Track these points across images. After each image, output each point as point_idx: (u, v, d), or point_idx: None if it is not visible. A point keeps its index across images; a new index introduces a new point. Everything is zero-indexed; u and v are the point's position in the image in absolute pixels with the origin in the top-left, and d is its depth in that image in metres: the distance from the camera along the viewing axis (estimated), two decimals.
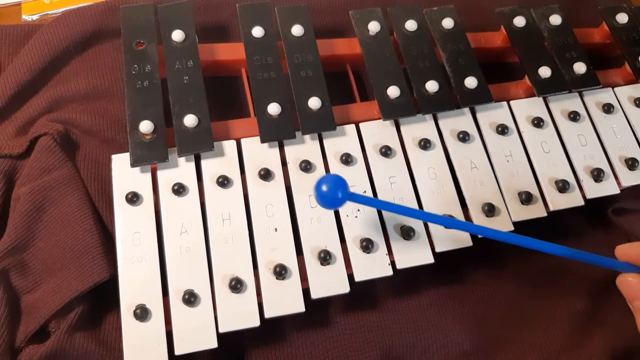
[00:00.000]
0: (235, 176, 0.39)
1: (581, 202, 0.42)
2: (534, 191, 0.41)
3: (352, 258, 0.38)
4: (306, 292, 0.36)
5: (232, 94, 0.48)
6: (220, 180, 0.38)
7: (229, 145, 0.40)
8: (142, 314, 0.34)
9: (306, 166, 0.40)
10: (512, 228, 0.40)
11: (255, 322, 0.35)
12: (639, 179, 0.43)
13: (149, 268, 0.36)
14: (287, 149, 0.40)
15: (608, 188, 0.42)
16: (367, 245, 0.37)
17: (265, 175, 0.39)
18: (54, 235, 0.39)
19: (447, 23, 0.46)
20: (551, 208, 0.41)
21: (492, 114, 0.44)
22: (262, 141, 0.40)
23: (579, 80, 0.45)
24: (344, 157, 0.40)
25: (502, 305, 0.44)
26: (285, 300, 0.36)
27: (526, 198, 0.40)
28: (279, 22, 0.44)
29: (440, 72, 0.44)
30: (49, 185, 0.40)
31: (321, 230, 0.38)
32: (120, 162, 0.39)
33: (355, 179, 0.40)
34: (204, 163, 0.39)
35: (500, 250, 0.45)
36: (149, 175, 0.38)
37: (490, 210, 0.40)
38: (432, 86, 0.43)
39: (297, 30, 0.43)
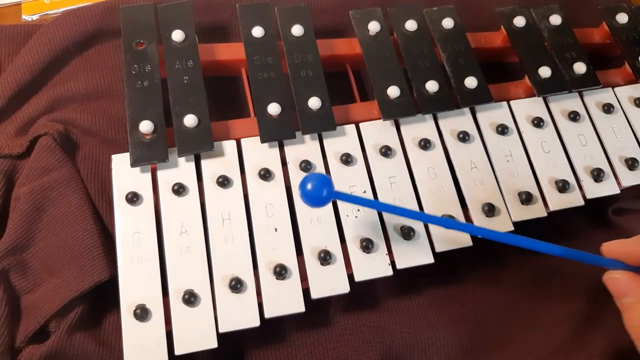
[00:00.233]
0: (235, 176, 0.39)
1: (581, 202, 0.42)
2: (534, 191, 0.41)
3: (352, 258, 0.38)
4: (306, 292, 0.36)
5: (232, 94, 0.48)
6: (220, 180, 0.38)
7: (229, 145, 0.40)
8: (142, 314, 0.34)
9: (306, 166, 0.40)
10: (512, 228, 0.40)
11: (255, 322, 0.35)
12: (639, 179, 0.43)
13: (149, 268, 0.36)
14: (287, 149, 0.40)
15: (608, 188, 0.42)
16: (367, 245, 0.37)
17: (265, 175, 0.39)
18: (54, 235, 0.39)
19: (447, 23, 0.46)
20: (551, 208, 0.41)
21: (492, 114, 0.44)
22: (262, 141, 0.40)
23: (579, 80, 0.45)
24: (344, 157, 0.40)
25: (502, 305, 0.44)
26: (285, 300, 0.36)
27: (526, 198, 0.40)
28: (279, 22, 0.44)
29: (440, 72, 0.44)
30: (49, 185, 0.40)
31: (321, 230, 0.38)
32: (120, 162, 0.39)
33: (355, 179, 0.40)
34: (204, 163, 0.39)
35: (500, 250, 0.45)
36: (149, 175, 0.38)
37: (490, 210, 0.40)
38: (432, 86, 0.43)
39: (297, 30, 0.43)
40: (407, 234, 0.38)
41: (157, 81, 0.40)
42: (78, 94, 0.46)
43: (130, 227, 0.37)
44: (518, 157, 0.42)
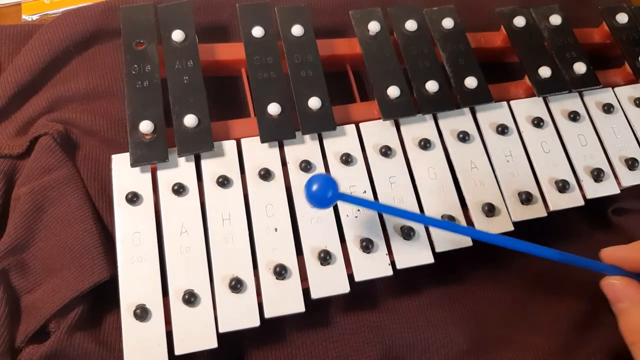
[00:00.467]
0: (235, 176, 0.39)
1: (581, 202, 0.42)
2: (534, 191, 0.41)
3: (352, 258, 0.38)
4: (306, 292, 0.36)
5: (232, 94, 0.48)
6: (220, 180, 0.38)
7: (229, 145, 0.40)
8: (142, 314, 0.34)
9: (306, 166, 0.40)
10: (512, 228, 0.40)
11: (255, 322, 0.35)
12: (639, 179, 0.43)
13: (149, 268, 0.36)
14: (287, 149, 0.40)
15: (608, 188, 0.42)
16: (367, 245, 0.37)
17: (265, 175, 0.39)
18: (54, 235, 0.39)
19: (447, 23, 0.46)
20: (551, 208, 0.41)
21: (492, 114, 0.44)
22: (262, 141, 0.40)
23: (579, 80, 0.45)
24: (344, 157, 0.40)
25: (502, 305, 0.44)
26: (285, 300, 0.36)
27: (526, 198, 0.40)
28: (279, 22, 0.44)
29: (440, 72, 0.44)
30: (49, 185, 0.40)
31: (321, 230, 0.38)
32: (120, 162, 0.39)
33: (355, 179, 0.40)
34: (204, 163, 0.39)
35: (500, 250, 0.45)
36: (149, 175, 0.38)
37: (490, 210, 0.40)
38: (432, 86, 0.43)
39: (297, 30, 0.43)
40: (407, 234, 0.38)
41: (157, 81, 0.40)
42: (78, 94, 0.46)
43: (130, 227, 0.37)
44: (518, 157, 0.42)
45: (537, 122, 0.43)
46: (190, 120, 0.39)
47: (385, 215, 0.39)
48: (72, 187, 0.41)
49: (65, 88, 0.45)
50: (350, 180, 0.40)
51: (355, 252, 0.38)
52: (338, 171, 0.40)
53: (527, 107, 0.45)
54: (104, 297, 0.38)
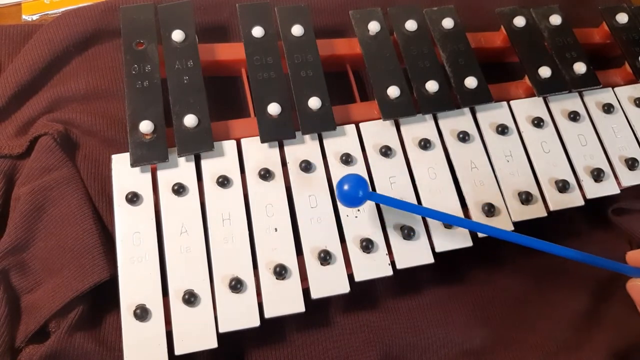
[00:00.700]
0: (235, 176, 0.39)
1: (581, 202, 0.42)
2: (534, 191, 0.41)
3: (352, 258, 0.38)
4: (306, 292, 0.36)
5: (232, 94, 0.48)
6: (220, 180, 0.38)
7: (229, 145, 0.40)
8: (142, 314, 0.34)
9: (306, 166, 0.40)
10: (512, 228, 0.40)
11: (255, 322, 0.35)
12: (639, 179, 0.43)
13: (149, 268, 0.36)
14: (287, 149, 0.40)
15: (608, 188, 0.42)
16: (367, 245, 0.37)
17: (265, 175, 0.39)
18: (54, 235, 0.39)
19: (447, 23, 0.46)
20: (551, 208, 0.41)
21: (492, 114, 0.44)
22: (262, 141, 0.40)
23: (579, 80, 0.45)
24: (344, 157, 0.40)
25: (502, 305, 0.44)
26: (285, 300, 0.36)
27: (526, 198, 0.40)
28: (279, 22, 0.44)
29: (440, 72, 0.44)
30: (49, 185, 0.40)
31: (321, 230, 0.38)
32: (120, 162, 0.39)
33: None
34: (204, 163, 0.39)
35: (500, 250, 0.45)
36: (149, 175, 0.38)
37: (490, 210, 0.40)
38: (432, 86, 0.43)
39: (297, 30, 0.43)
40: (407, 234, 0.38)
41: (157, 81, 0.40)
42: (78, 94, 0.46)
43: (130, 227, 0.37)
44: (518, 157, 0.42)
45: (537, 122, 0.43)
46: (190, 120, 0.39)
47: (385, 216, 0.39)
48: (72, 187, 0.41)
49: (65, 88, 0.45)
50: None
51: (355, 252, 0.38)
52: (338, 171, 0.40)
53: (527, 107, 0.45)
54: (104, 297, 0.38)
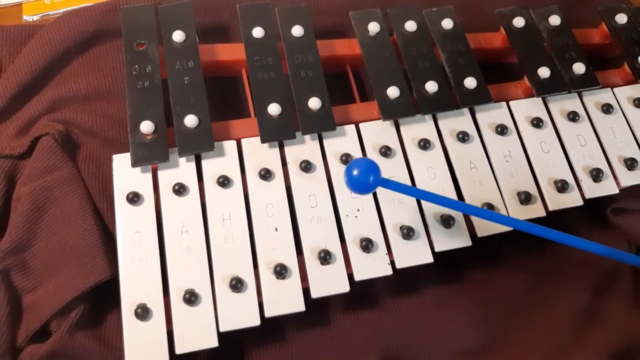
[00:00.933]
0: (236, 176, 0.39)
1: (580, 202, 0.42)
2: (533, 191, 0.41)
3: (352, 258, 0.38)
4: (306, 291, 0.36)
5: (233, 94, 0.48)
6: (220, 180, 0.38)
7: (230, 145, 0.40)
8: (143, 313, 0.34)
9: (306, 166, 0.40)
10: (512, 228, 0.40)
11: (256, 322, 0.35)
12: (638, 179, 0.43)
13: (150, 267, 0.36)
14: (287, 149, 0.41)
15: (607, 188, 0.42)
16: (367, 245, 0.37)
17: (266, 175, 0.39)
18: (55, 235, 0.39)
19: (447, 24, 0.46)
20: (550, 208, 0.41)
21: (492, 114, 0.44)
22: (263, 141, 0.40)
23: (578, 80, 0.45)
24: (344, 157, 0.40)
25: (502, 304, 0.44)
26: (285, 300, 0.36)
27: (525, 198, 0.40)
28: (279, 22, 0.44)
29: (440, 72, 0.44)
30: (50, 185, 0.40)
31: (321, 230, 0.38)
32: (121, 162, 0.39)
33: None
34: (204, 163, 0.39)
35: (500, 249, 0.45)
36: (149, 175, 0.39)
37: (489, 210, 0.40)
38: (431, 86, 0.43)
39: (297, 30, 0.43)
40: (406, 233, 0.38)
41: (158, 81, 0.40)
42: (79, 94, 0.46)
43: (131, 227, 0.37)
44: (517, 157, 0.42)
45: (537, 123, 0.43)
46: (190, 120, 0.39)
47: (385, 215, 0.39)
48: (73, 187, 0.41)
49: (66, 88, 0.46)
50: None
51: (355, 252, 0.38)
52: (338, 171, 0.40)
53: (527, 107, 0.45)
54: (105, 296, 0.39)
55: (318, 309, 0.40)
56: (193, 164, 0.39)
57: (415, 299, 0.43)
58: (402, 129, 0.43)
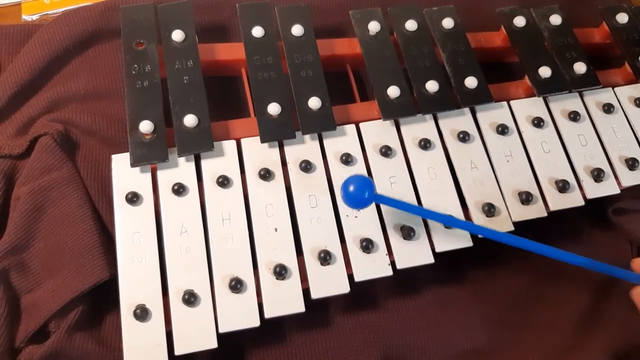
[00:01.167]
0: (235, 176, 0.39)
1: (581, 202, 0.42)
2: (534, 191, 0.41)
3: (352, 258, 0.38)
4: (306, 292, 0.36)
5: (232, 94, 0.48)
6: (220, 180, 0.38)
7: (229, 145, 0.40)
8: (142, 314, 0.34)
9: (306, 166, 0.40)
10: (512, 228, 0.40)
11: (255, 322, 0.35)
12: (639, 179, 0.43)
13: (149, 268, 0.36)
14: (287, 149, 0.40)
15: (608, 188, 0.42)
16: (367, 245, 0.37)
17: (265, 175, 0.39)
18: (54, 235, 0.39)
19: (447, 23, 0.46)
20: (551, 208, 0.41)
21: (492, 114, 0.44)
22: (262, 141, 0.40)
23: (579, 80, 0.45)
24: (344, 157, 0.40)
25: (502, 305, 0.44)
26: (285, 300, 0.36)
27: (526, 198, 0.40)
28: (279, 22, 0.44)
29: (440, 72, 0.44)
30: (49, 185, 0.40)
31: (321, 230, 0.38)
32: (120, 162, 0.39)
33: None
34: (204, 163, 0.39)
35: (500, 250, 0.45)
36: (149, 175, 0.38)
37: (490, 210, 0.40)
38: (432, 86, 0.43)
39: (297, 30, 0.43)
40: (407, 234, 0.38)
41: (157, 81, 0.40)
42: (78, 94, 0.46)
43: (130, 227, 0.37)
44: (518, 157, 0.42)
45: (537, 122, 0.43)
46: (190, 120, 0.39)
47: (385, 215, 0.39)
48: (72, 187, 0.41)
49: (65, 88, 0.45)
50: None
51: (355, 252, 0.38)
52: (338, 171, 0.40)
53: (527, 107, 0.45)
54: (104, 297, 0.38)
55: (318, 310, 0.40)
56: (192, 164, 0.39)
57: (415, 299, 0.43)
58: (402, 128, 0.42)
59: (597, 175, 0.42)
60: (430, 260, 0.38)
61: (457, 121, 0.43)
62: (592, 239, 0.47)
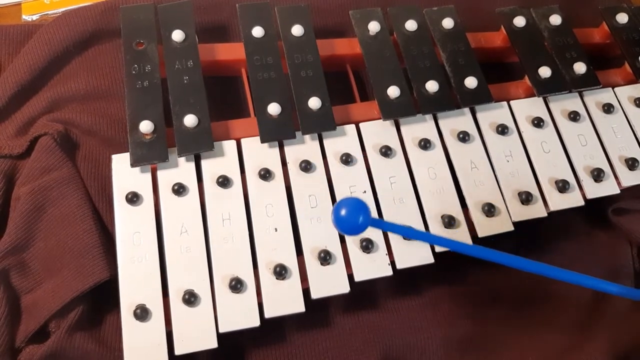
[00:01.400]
0: (235, 176, 0.39)
1: (581, 202, 0.42)
2: (534, 191, 0.41)
3: (352, 258, 0.38)
4: (306, 292, 0.36)
5: (232, 94, 0.48)
6: (220, 180, 0.38)
7: (229, 145, 0.40)
8: (142, 314, 0.34)
9: (306, 166, 0.40)
10: (512, 228, 0.40)
11: (255, 322, 0.35)
12: (639, 179, 0.43)
13: (149, 268, 0.36)
14: (287, 149, 0.40)
15: (608, 188, 0.42)
16: (367, 245, 0.37)
17: (265, 175, 0.39)
18: (54, 235, 0.39)
19: (447, 23, 0.46)
20: (551, 208, 0.41)
21: (492, 114, 0.44)
22: (262, 141, 0.40)
23: (579, 80, 0.45)
24: (344, 157, 0.40)
25: (502, 306, 0.44)
26: (285, 300, 0.36)
27: (526, 198, 0.40)
28: (279, 22, 0.44)
29: (440, 72, 0.44)
30: (49, 185, 0.40)
31: (321, 230, 0.38)
32: (120, 162, 0.39)
33: (355, 179, 0.40)
34: (204, 163, 0.39)
35: (501, 250, 0.45)
36: (149, 175, 0.38)
37: (490, 210, 0.40)
38: (432, 86, 0.43)
39: (297, 30, 0.43)
40: None
41: (157, 81, 0.40)
42: (78, 94, 0.46)
43: (131, 227, 0.37)
44: (518, 157, 0.42)
45: (537, 122, 0.43)
46: (190, 120, 0.39)
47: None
48: (72, 187, 0.41)
49: (65, 88, 0.45)
50: (350, 180, 0.40)
51: (355, 252, 0.38)
52: (338, 171, 0.40)
53: (527, 107, 0.45)
54: (104, 297, 0.38)
55: (318, 310, 0.40)
56: (192, 164, 0.39)
57: (415, 299, 0.43)
58: (402, 128, 0.42)
59: (597, 175, 0.42)
60: (431, 260, 0.38)
61: (457, 121, 0.43)
62: (592, 239, 0.47)
